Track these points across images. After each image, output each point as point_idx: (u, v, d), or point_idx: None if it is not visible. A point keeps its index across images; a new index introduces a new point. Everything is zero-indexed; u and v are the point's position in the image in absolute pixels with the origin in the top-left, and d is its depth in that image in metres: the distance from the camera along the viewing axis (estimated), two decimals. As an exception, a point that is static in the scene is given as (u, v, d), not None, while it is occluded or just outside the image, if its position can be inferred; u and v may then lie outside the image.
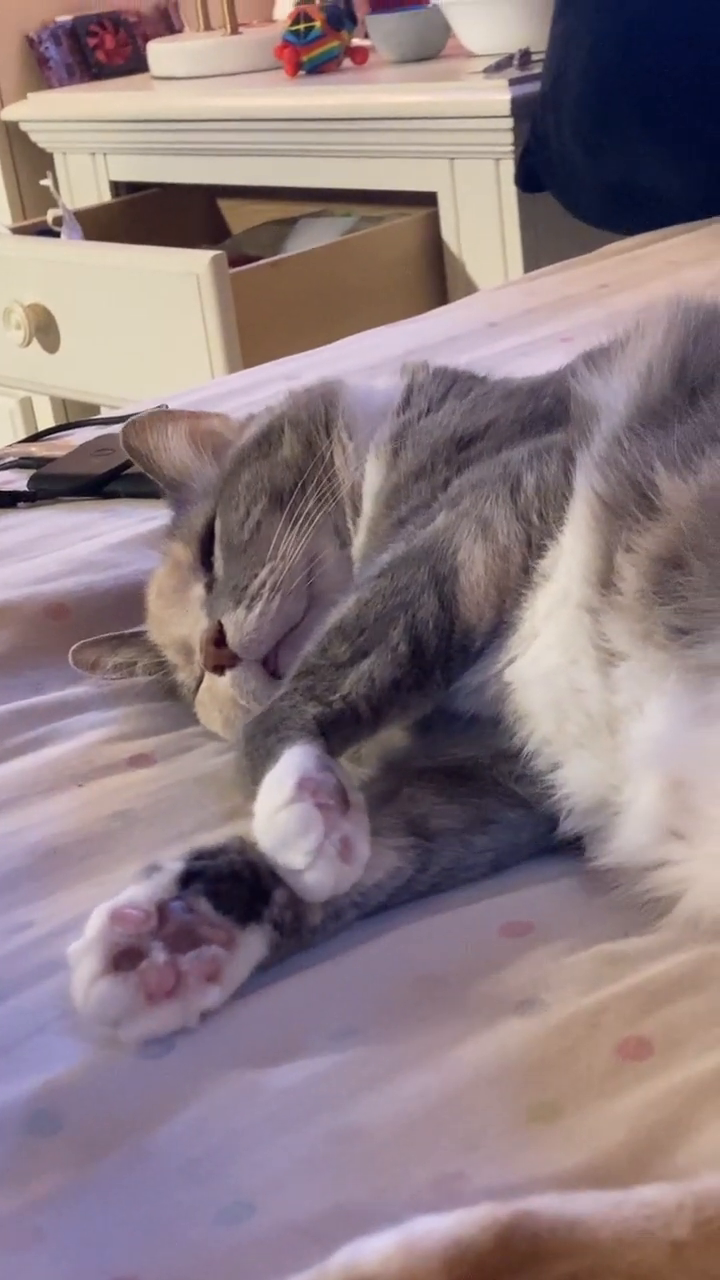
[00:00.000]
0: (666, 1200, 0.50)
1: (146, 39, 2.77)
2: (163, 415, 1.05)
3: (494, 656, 0.78)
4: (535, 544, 0.78)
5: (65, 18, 2.75)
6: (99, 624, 1.04)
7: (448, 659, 0.78)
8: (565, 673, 0.75)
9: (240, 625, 0.85)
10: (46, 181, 2.65)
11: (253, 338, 2.02)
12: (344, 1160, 0.58)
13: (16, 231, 2.57)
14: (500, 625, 0.78)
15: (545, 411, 0.87)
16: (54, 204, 2.52)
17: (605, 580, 0.73)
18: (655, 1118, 0.58)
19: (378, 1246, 0.48)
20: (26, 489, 1.32)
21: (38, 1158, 0.60)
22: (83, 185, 2.71)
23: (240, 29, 2.66)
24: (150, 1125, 0.61)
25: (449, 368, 1.00)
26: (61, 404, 2.55)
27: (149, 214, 2.63)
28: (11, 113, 2.71)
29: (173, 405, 1.22)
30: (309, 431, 0.94)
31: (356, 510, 0.91)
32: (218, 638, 0.86)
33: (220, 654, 0.86)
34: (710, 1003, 0.64)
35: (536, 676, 0.76)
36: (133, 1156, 0.60)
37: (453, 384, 0.97)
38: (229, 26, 2.65)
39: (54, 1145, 0.61)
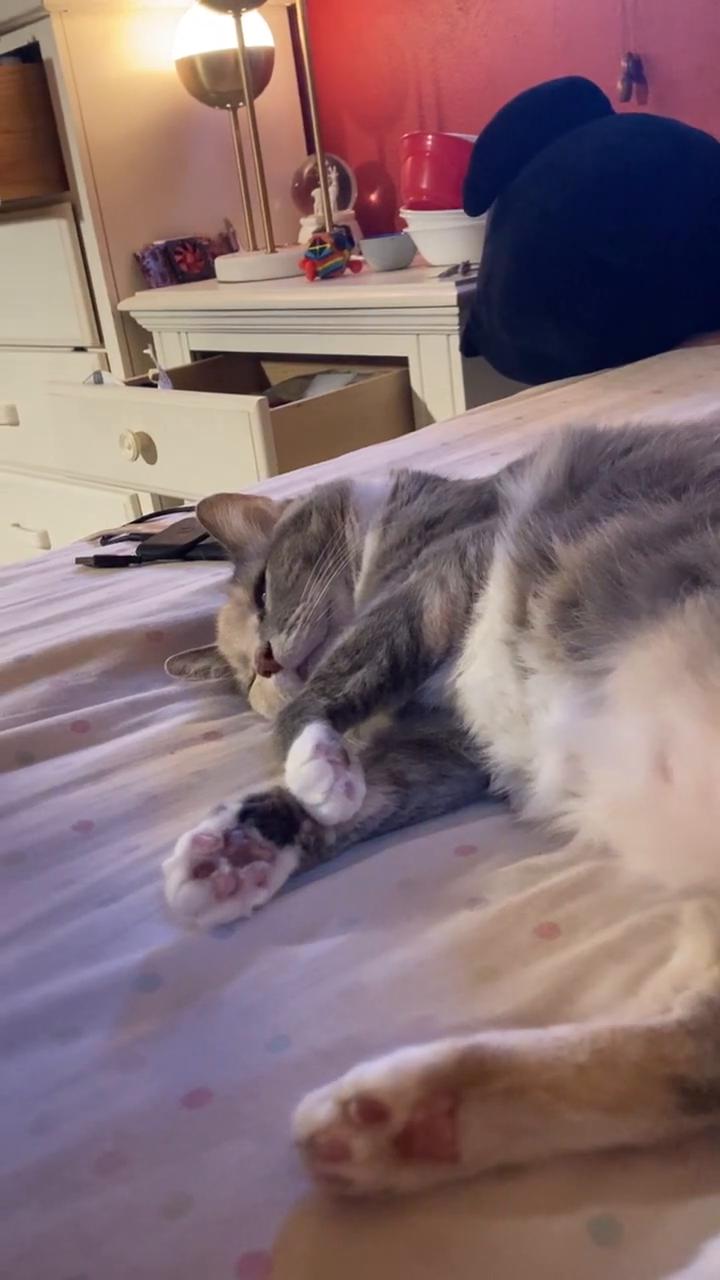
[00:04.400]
0: (572, 1036, 0.49)
1: (215, 255, 2.76)
2: (224, 496, 1.02)
3: (448, 670, 0.77)
4: (474, 594, 0.77)
5: (160, 241, 2.74)
6: (184, 644, 1.02)
7: (414, 671, 0.77)
8: (494, 683, 0.73)
9: (283, 645, 0.84)
10: (148, 351, 2.64)
11: (284, 454, 2.01)
12: (352, 1008, 0.57)
13: (128, 384, 2.56)
14: (451, 649, 0.77)
15: (483, 504, 0.86)
16: (153, 366, 2.50)
17: (520, 619, 0.71)
18: (562, 978, 0.57)
19: (376, 1068, 0.47)
20: (135, 554, 1.31)
21: (143, 1006, 0.59)
22: (172, 353, 2.70)
23: (276, 249, 2.65)
24: (219, 983, 0.60)
25: (422, 471, 0.99)
26: (158, 498, 2.54)
27: (216, 372, 2.62)
28: (125, 305, 2.69)
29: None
30: (329, 515, 0.93)
31: (360, 569, 0.90)
32: (267, 652, 0.85)
33: (269, 664, 0.85)
34: (599, 899, 0.63)
35: (475, 685, 0.75)
36: (208, 1005, 0.59)
37: (424, 483, 0.96)
38: (269, 247, 2.65)
39: (154, 998, 0.60)
